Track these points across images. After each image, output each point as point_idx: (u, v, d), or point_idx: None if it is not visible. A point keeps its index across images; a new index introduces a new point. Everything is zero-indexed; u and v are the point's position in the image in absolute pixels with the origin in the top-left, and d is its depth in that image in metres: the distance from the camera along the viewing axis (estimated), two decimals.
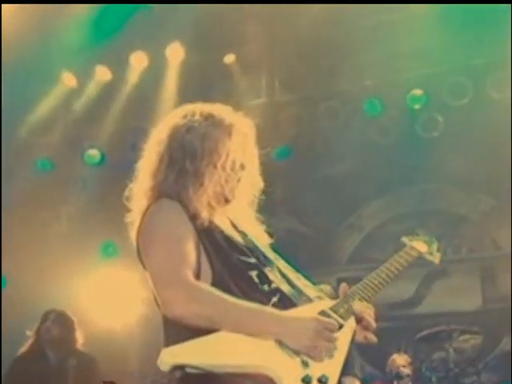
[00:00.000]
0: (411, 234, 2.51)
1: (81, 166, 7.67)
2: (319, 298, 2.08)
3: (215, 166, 2.09)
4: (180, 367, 1.75)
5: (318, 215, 7.68)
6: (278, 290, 2.06)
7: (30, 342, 4.78)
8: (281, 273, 2.15)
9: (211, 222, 2.08)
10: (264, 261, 2.15)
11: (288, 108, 7.30)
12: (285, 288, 2.10)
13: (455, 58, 6.57)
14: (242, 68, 7.15)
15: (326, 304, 2.03)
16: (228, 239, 2.09)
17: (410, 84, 6.79)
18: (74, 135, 7.72)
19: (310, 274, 2.21)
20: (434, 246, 2.49)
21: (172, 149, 2.12)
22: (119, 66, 7.27)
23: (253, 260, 2.10)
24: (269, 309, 1.93)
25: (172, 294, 1.87)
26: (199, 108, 2.19)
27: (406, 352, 6.14)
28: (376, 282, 2.15)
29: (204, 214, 2.04)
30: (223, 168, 2.11)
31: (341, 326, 1.95)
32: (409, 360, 5.76)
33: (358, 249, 7.56)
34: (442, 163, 6.90)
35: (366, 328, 2.05)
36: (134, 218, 2.13)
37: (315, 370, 1.82)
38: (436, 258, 2.47)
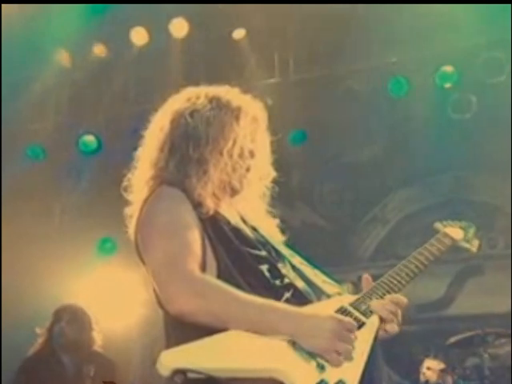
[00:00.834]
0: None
1: (75, 153, 7.71)
2: (339, 294, 2.07)
3: (221, 153, 2.10)
4: (181, 371, 1.73)
5: (337, 206, 7.67)
6: (291, 286, 2.06)
7: (40, 342, 4.65)
8: (295, 268, 2.16)
9: (217, 212, 2.09)
10: (276, 255, 2.16)
11: (303, 88, 7.28)
12: (299, 284, 2.11)
13: (490, 30, 6.53)
14: (252, 44, 7.14)
15: (346, 300, 2.01)
16: (235, 230, 2.09)
17: (439, 60, 6.76)
18: (68, 120, 7.76)
19: (328, 271, 2.21)
20: (471, 232, 2.42)
21: (174, 135, 2.13)
22: (117, 43, 7.29)
23: (263, 253, 2.10)
24: (281, 305, 1.93)
25: (176, 287, 1.87)
26: (204, 91, 2.20)
27: (436, 358, 6.14)
28: (403, 274, 2.12)
29: (209, 203, 2.05)
30: (230, 155, 2.11)
31: (362, 325, 1.93)
32: (441, 366, 5.76)
33: (383, 244, 7.56)
34: (475, 148, 6.87)
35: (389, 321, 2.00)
36: (133, 211, 2.14)
37: (332, 375, 1.81)
38: (473, 246, 2.40)
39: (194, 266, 1.92)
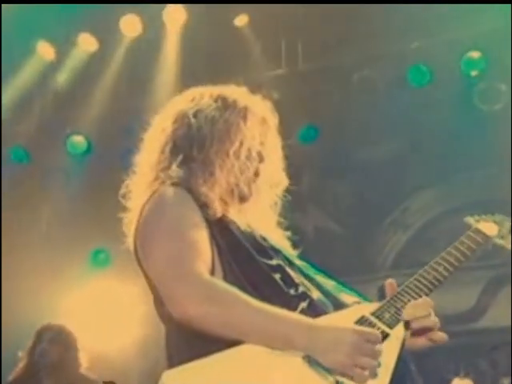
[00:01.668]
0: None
1: (63, 156, 7.73)
2: (358, 303, 2.07)
3: (227, 154, 2.13)
4: None
5: (352, 210, 7.67)
6: (306, 295, 2.07)
7: (22, 365, 4.69)
8: (309, 278, 2.16)
9: (225, 216, 2.11)
10: (289, 264, 2.17)
11: (314, 79, 7.29)
12: (315, 294, 2.11)
13: None
14: (256, 32, 7.15)
15: (367, 309, 2.01)
16: (245, 235, 2.11)
17: (464, 45, 6.75)
18: (54, 119, 7.78)
19: (344, 282, 2.21)
20: (506, 227, 2.40)
21: (176, 136, 2.17)
22: (107, 34, 7.30)
23: (275, 261, 2.11)
24: (297, 315, 1.93)
25: (183, 290, 1.87)
26: (209, 90, 2.24)
27: (467, 376, 6.12)
28: (431, 277, 2.11)
29: (216, 206, 2.07)
30: (237, 156, 2.14)
31: (386, 336, 1.93)
32: None
33: (404, 251, 7.54)
34: (505, 142, 6.85)
35: (426, 329, 1.99)
36: (131, 217, 2.15)
37: None
38: (508, 243, 2.38)
39: (203, 268, 1.93)
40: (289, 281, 2.08)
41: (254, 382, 1.79)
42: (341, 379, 1.81)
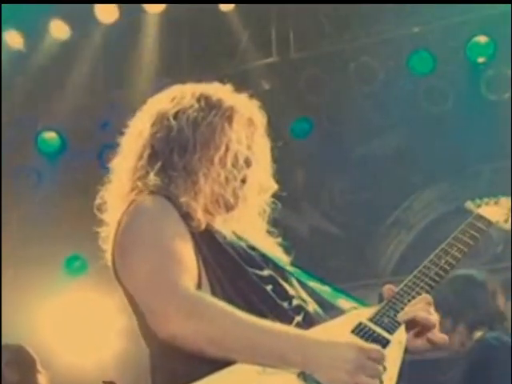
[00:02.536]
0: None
1: (34, 154, 7.71)
2: (355, 308, 2.08)
3: (212, 162, 2.13)
4: None
5: (351, 209, 7.68)
6: (301, 308, 2.08)
7: None
8: (303, 287, 2.18)
9: (210, 226, 2.11)
10: (282, 273, 2.17)
11: (307, 68, 7.29)
12: (311, 306, 2.12)
13: None
14: (244, 18, 7.15)
15: (365, 314, 2.01)
16: (233, 246, 2.11)
17: (470, 29, 6.77)
18: (23, 114, 7.76)
19: (342, 288, 2.22)
20: (509, 208, 2.38)
21: (155, 139, 2.15)
22: (81, 21, 7.29)
23: (266, 272, 2.11)
24: (291, 329, 1.93)
25: (167, 305, 1.87)
26: (191, 88, 2.23)
27: None
28: (432, 273, 2.11)
29: (200, 216, 2.06)
30: (223, 164, 2.14)
31: (387, 343, 1.93)
32: None
33: (407, 253, 7.55)
34: None
35: (425, 329, 1.99)
36: (108, 232, 2.15)
37: None
38: None
39: (188, 281, 1.93)
40: (282, 293, 2.08)
41: None
42: None
